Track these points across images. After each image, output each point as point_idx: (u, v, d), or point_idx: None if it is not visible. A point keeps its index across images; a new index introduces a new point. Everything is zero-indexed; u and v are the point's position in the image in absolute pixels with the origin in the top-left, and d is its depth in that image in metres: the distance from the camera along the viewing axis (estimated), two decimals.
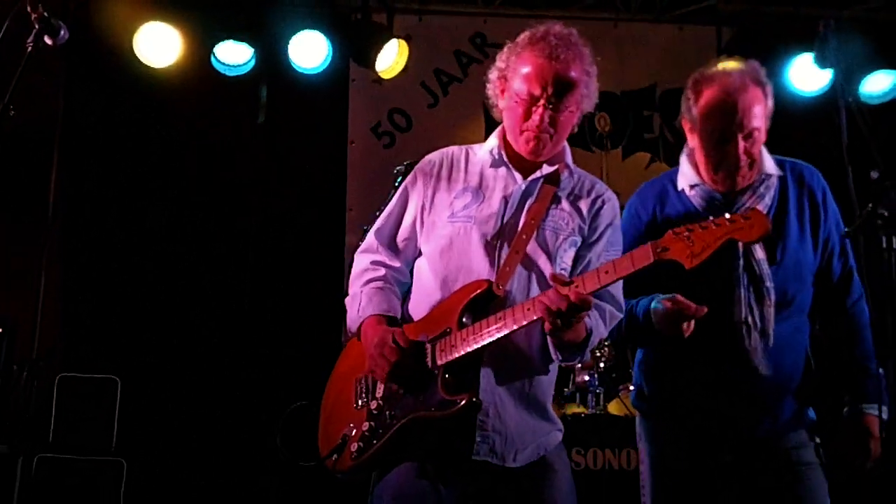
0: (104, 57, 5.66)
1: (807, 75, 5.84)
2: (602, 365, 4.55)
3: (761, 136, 2.77)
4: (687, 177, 2.91)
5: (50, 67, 5.47)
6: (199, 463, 5.37)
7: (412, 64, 5.92)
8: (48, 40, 2.60)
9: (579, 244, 2.71)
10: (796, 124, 5.96)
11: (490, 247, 2.63)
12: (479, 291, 2.56)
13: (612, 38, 6.44)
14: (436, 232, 2.71)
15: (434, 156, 2.84)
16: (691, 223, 2.38)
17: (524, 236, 2.62)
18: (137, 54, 5.47)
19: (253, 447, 5.30)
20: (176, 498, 5.26)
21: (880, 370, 2.86)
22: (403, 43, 5.77)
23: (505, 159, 2.73)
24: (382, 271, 2.79)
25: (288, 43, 5.59)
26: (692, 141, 2.90)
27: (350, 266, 2.92)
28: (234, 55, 5.64)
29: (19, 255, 5.31)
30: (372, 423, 2.59)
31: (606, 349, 4.57)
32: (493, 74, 2.75)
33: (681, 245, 2.33)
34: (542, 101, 2.59)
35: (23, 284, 5.05)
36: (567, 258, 2.69)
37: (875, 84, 5.95)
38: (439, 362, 2.54)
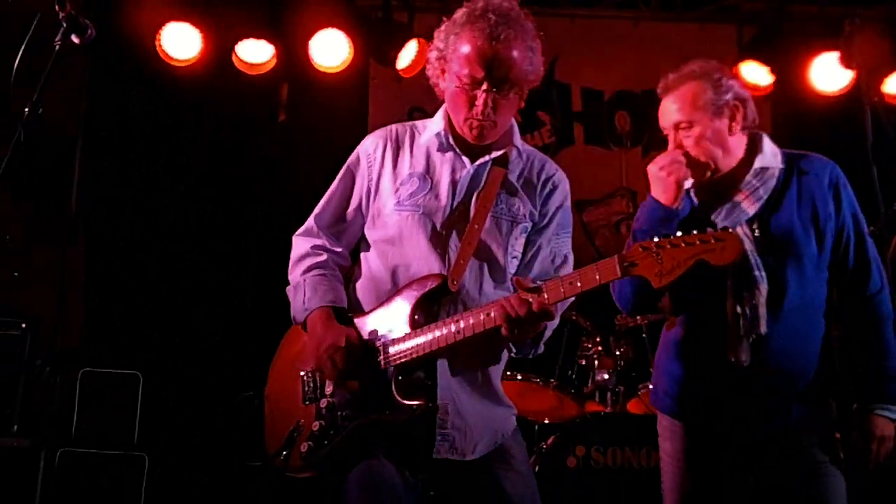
0: (127, 55, 5.69)
1: (829, 74, 5.80)
2: (622, 364, 4.55)
3: (699, 128, 2.82)
4: None
5: (73, 65, 5.52)
6: (221, 458, 5.39)
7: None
8: (75, 39, 2.61)
9: (530, 229, 2.68)
10: (819, 123, 5.96)
11: (439, 237, 2.58)
12: (432, 287, 2.52)
13: (632, 38, 6.43)
14: (382, 220, 2.65)
15: (377, 136, 2.76)
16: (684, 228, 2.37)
17: (475, 226, 2.57)
18: (160, 53, 5.52)
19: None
20: (197, 493, 5.28)
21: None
22: (424, 42, 5.77)
23: (451, 142, 2.65)
24: (324, 256, 2.72)
25: (308, 41, 5.62)
26: None
27: None
28: (254, 53, 5.66)
29: (42, 250, 5.36)
30: (322, 423, 2.54)
31: (626, 348, 4.57)
32: (432, 55, 2.65)
33: (649, 261, 2.29)
34: (485, 85, 2.50)
35: (46, 280, 5.12)
36: (518, 245, 2.66)
37: None
38: (392, 362, 2.50)
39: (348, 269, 2.77)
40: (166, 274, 5.81)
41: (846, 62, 2.88)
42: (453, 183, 2.64)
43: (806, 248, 2.80)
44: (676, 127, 2.86)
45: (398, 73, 5.79)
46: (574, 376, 4.65)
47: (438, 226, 2.60)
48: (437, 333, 2.47)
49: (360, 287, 2.70)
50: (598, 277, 2.34)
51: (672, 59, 6.34)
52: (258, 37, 5.59)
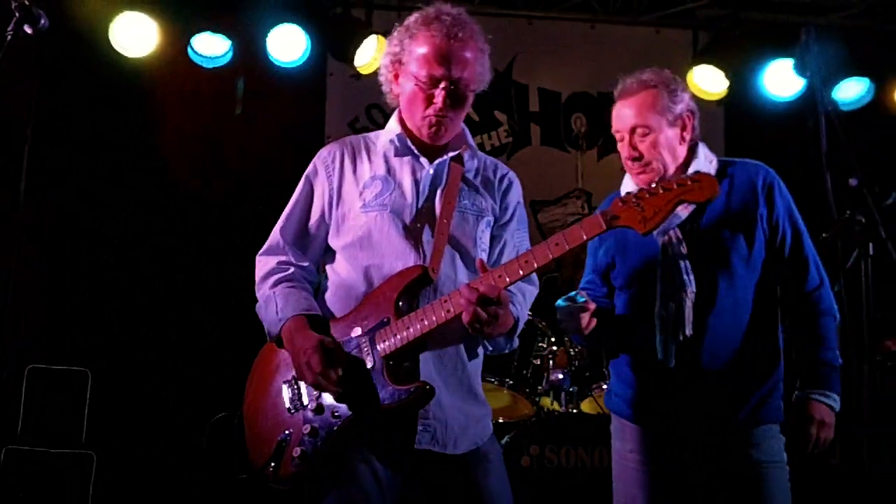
0: (79, 46, 5.57)
1: (782, 80, 5.92)
2: (576, 364, 4.58)
3: (655, 135, 2.89)
4: (625, 184, 3.07)
5: (24, 56, 5.39)
6: (170, 456, 5.33)
7: None
8: (28, 29, 2.57)
9: (493, 224, 2.73)
10: (771, 128, 6.06)
11: (411, 232, 2.60)
12: (414, 277, 2.53)
13: (589, 39, 6.48)
14: (348, 224, 2.65)
15: (333, 146, 2.78)
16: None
17: (444, 220, 2.61)
18: (113, 44, 5.42)
19: (223, 441, 5.27)
20: (146, 491, 5.21)
21: (839, 360, 2.89)
22: (382, 39, 5.74)
23: (409, 144, 2.69)
24: (291, 270, 2.70)
25: (266, 36, 5.57)
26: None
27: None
28: (211, 47, 5.60)
29: None
30: (313, 426, 2.52)
31: (581, 348, 4.60)
32: (385, 60, 2.70)
33: (631, 212, 2.34)
34: (443, 84, 2.56)
35: None
36: (485, 238, 2.70)
37: (848, 91, 6.04)
38: (381, 353, 2.50)
39: (315, 284, 2.76)
40: (115, 270, 5.72)
41: (801, 70, 2.92)
42: (415, 182, 2.67)
43: (735, 249, 2.86)
44: (633, 131, 2.92)
45: (356, 69, 5.77)
46: (529, 376, 4.66)
47: (408, 223, 2.62)
48: (427, 317, 2.49)
49: (331, 296, 2.69)
50: (583, 235, 2.37)
51: (628, 62, 6.40)
52: (215, 30, 5.53)
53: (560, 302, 2.80)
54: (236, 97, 5.87)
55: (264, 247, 2.78)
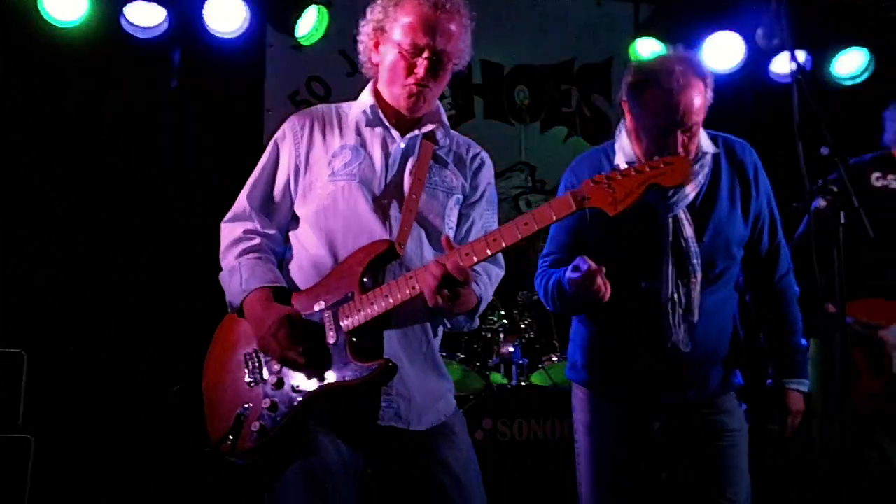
0: (4, 13, 5.34)
1: (721, 53, 5.97)
2: (526, 337, 4.58)
3: (699, 128, 2.81)
4: (626, 153, 2.93)
5: None
6: (110, 440, 5.19)
7: (331, 31, 5.80)
8: None
9: (462, 202, 2.71)
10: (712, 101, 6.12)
11: (379, 205, 2.57)
12: (380, 252, 2.50)
13: (532, 13, 6.45)
14: (315, 192, 2.61)
15: (304, 113, 2.74)
16: None
17: (413, 196, 2.58)
18: (41, 11, 5.19)
19: (164, 425, 5.15)
20: (86, 475, 5.07)
21: (803, 343, 2.97)
22: (324, 9, 5.64)
23: (381, 117, 2.66)
24: (258, 240, 2.65)
25: (203, 5, 5.39)
26: (630, 123, 2.91)
27: None
28: (145, 16, 5.37)
29: None
30: (273, 400, 2.48)
31: (530, 321, 4.60)
32: (366, 28, 2.66)
33: (602, 192, 2.31)
34: (426, 53, 2.53)
35: None
36: (453, 216, 2.68)
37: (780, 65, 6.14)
38: (345, 328, 2.46)
39: (281, 253, 2.71)
40: (50, 249, 5.50)
41: (768, 40, 2.93)
42: (386, 155, 2.64)
43: (734, 230, 2.88)
44: (689, 128, 2.76)
45: (297, 41, 5.65)
46: (479, 349, 4.66)
47: (376, 195, 2.59)
48: (392, 291, 2.45)
49: (295, 266, 2.65)
50: (553, 215, 2.34)
51: (571, 35, 6.53)
52: None
53: (571, 274, 2.69)
54: (172, 69, 5.67)
55: (229, 213, 2.72)
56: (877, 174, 3.60)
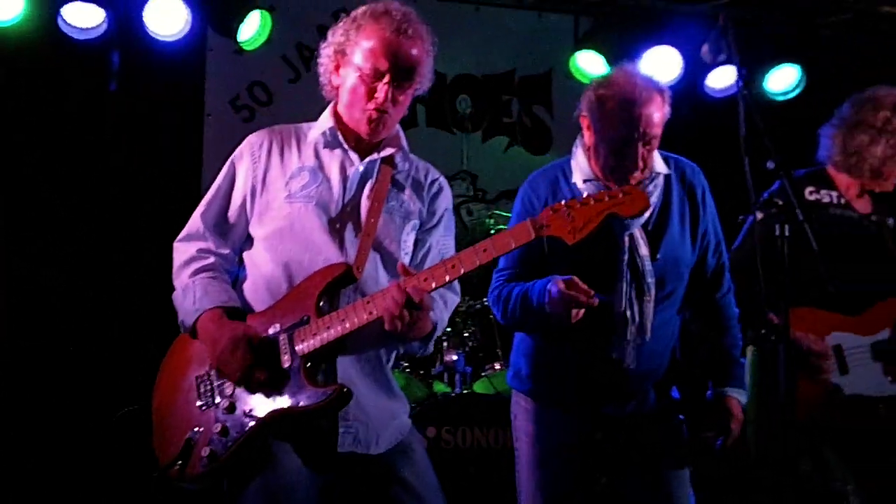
0: None
1: (658, 68, 6.09)
2: (470, 345, 4.61)
3: (657, 142, 2.88)
4: (582, 171, 2.97)
5: None
6: (66, 457, 5.07)
7: (273, 37, 5.76)
8: None
9: (419, 228, 2.70)
10: None
11: (335, 228, 2.55)
12: (337, 275, 2.48)
13: (474, 22, 6.49)
14: (271, 214, 2.58)
15: (262, 133, 2.72)
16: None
17: (371, 220, 2.57)
18: None
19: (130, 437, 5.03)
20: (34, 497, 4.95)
21: (742, 359, 3.08)
22: (267, 14, 5.58)
23: (340, 139, 2.64)
24: (212, 259, 2.63)
25: (143, 7, 5.30)
26: (589, 139, 2.95)
27: None
28: (83, 17, 5.23)
29: None
30: (224, 424, 2.44)
31: (474, 329, 4.63)
32: (327, 50, 2.64)
33: (561, 221, 2.34)
34: (387, 78, 2.52)
35: None
36: (410, 241, 2.68)
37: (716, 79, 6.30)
38: (300, 353, 2.43)
39: (235, 273, 2.68)
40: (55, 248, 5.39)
41: (714, 55, 3.01)
42: (344, 178, 2.62)
43: (684, 251, 2.95)
44: (649, 141, 2.83)
45: (239, 45, 5.59)
46: (423, 358, 4.66)
47: (332, 218, 2.57)
48: (349, 318, 2.43)
49: (249, 288, 2.62)
50: (512, 242, 2.36)
51: (512, 45, 6.59)
52: None
53: (552, 285, 2.71)
54: (111, 72, 5.56)
55: (183, 232, 2.68)
56: (810, 188, 3.70)
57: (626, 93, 2.80)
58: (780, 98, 6.16)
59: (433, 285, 2.39)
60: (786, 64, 6.13)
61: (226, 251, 2.66)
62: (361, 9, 2.61)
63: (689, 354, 3.10)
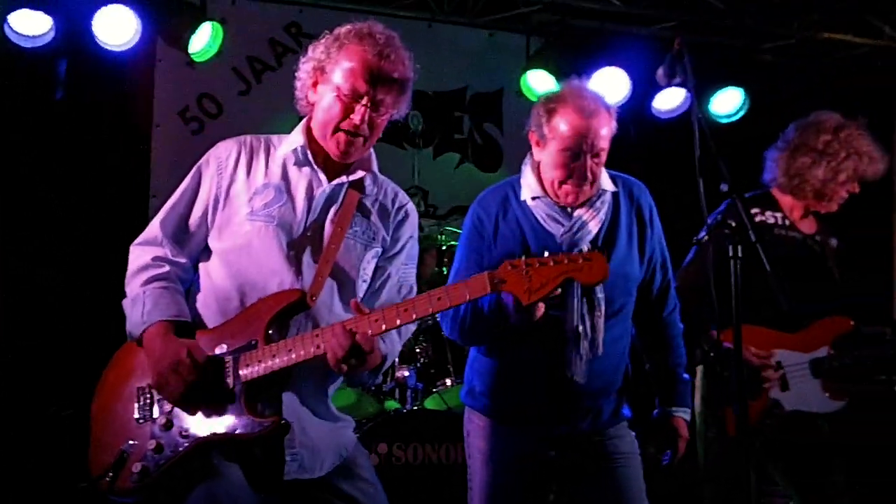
0: None
1: (606, 88, 6.18)
2: (421, 361, 4.61)
3: (605, 155, 2.91)
4: (531, 188, 3.00)
5: None
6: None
7: (224, 49, 5.72)
8: None
9: (380, 255, 2.67)
10: None
11: (293, 252, 2.52)
12: (290, 302, 2.45)
13: (426, 38, 6.50)
14: (231, 229, 2.54)
15: (231, 143, 2.65)
16: (536, 249, 2.44)
17: (332, 245, 2.53)
18: None
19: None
20: None
21: (686, 376, 3.13)
22: (218, 26, 5.57)
23: (310, 158, 2.60)
24: (166, 268, 2.57)
25: (92, 16, 5.23)
26: (538, 155, 2.99)
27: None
28: (30, 25, 5.16)
29: None
30: (158, 442, 2.40)
31: (425, 345, 4.63)
32: (306, 65, 2.60)
33: (518, 279, 2.34)
34: (365, 100, 2.49)
35: None
36: (369, 269, 2.65)
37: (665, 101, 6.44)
38: (243, 378, 2.40)
39: (189, 283, 2.63)
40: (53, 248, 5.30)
41: (669, 79, 3.07)
42: (309, 199, 2.58)
43: (632, 267, 2.99)
44: (597, 153, 2.86)
45: (189, 56, 5.55)
46: None
47: (292, 240, 2.52)
48: (296, 347, 2.39)
49: (201, 300, 2.57)
50: (467, 294, 2.36)
51: (464, 63, 6.63)
52: (35, 6, 5.12)
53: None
54: (58, 81, 5.46)
55: (141, 237, 2.63)
56: (755, 210, 3.79)
57: (575, 106, 2.85)
58: (725, 120, 6.30)
59: (383, 328, 2.36)
60: (730, 87, 6.28)
61: (182, 260, 2.60)
62: (345, 27, 2.59)
63: (638, 370, 3.14)
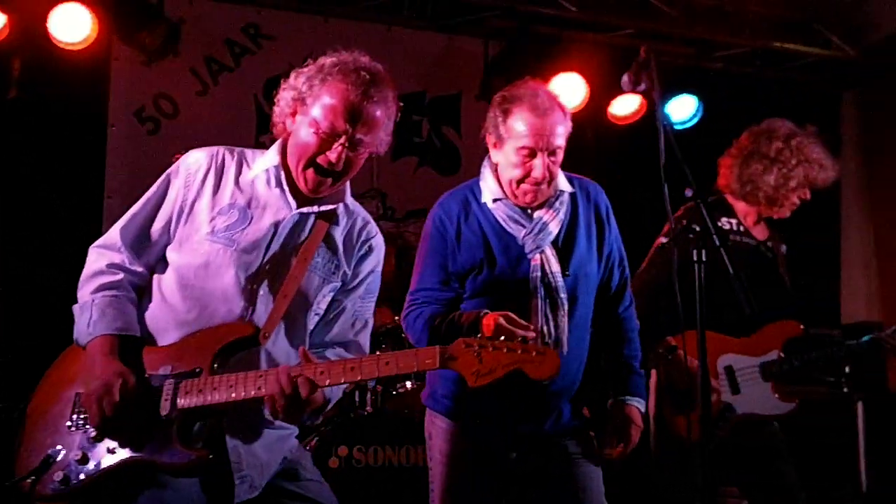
0: None
1: (564, 93, 6.22)
2: None
3: (561, 154, 2.95)
4: (491, 191, 3.03)
5: None
6: None
7: (182, 49, 5.68)
8: None
9: (338, 290, 2.65)
10: None
11: (249, 280, 2.47)
12: (242, 336, 2.43)
13: (385, 42, 6.52)
14: (190, 246, 2.50)
15: (202, 155, 2.60)
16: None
17: (293, 281, 2.50)
18: None
19: None
20: None
21: (642, 370, 3.18)
22: (176, 25, 5.52)
23: (283, 181, 2.55)
24: (120, 276, 2.52)
25: (48, 13, 5.16)
26: (496, 156, 3.02)
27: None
28: None
29: None
30: (85, 452, 2.36)
31: (385, 347, 4.64)
32: (287, 93, 2.55)
33: (469, 359, 2.32)
34: (343, 139, 2.44)
35: None
36: (324, 303, 2.62)
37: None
38: (180, 406, 2.36)
39: (144, 289, 2.58)
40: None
41: (634, 85, 3.12)
42: (274, 225, 2.53)
43: (591, 266, 3.03)
44: (554, 152, 2.89)
45: (146, 55, 5.49)
46: None
47: (250, 268, 2.48)
48: (238, 386, 2.35)
49: (151, 312, 2.52)
50: (415, 366, 2.34)
51: (423, 67, 6.64)
52: None
53: (491, 322, 2.69)
54: (12, 79, 5.36)
55: (100, 240, 2.58)
56: (722, 218, 3.87)
57: (530, 105, 2.88)
58: (679, 127, 6.40)
59: (327, 382, 2.33)
60: (684, 94, 6.39)
61: (139, 269, 2.55)
62: (330, 58, 2.52)
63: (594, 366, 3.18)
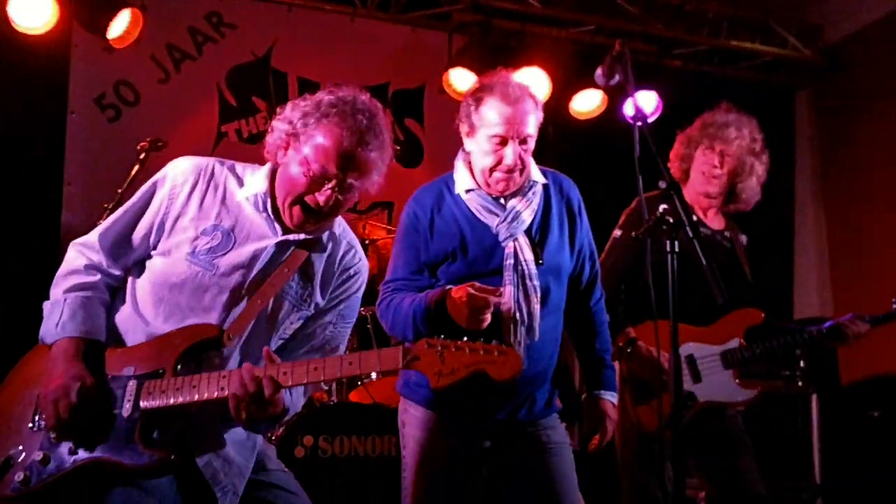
0: None
1: (530, 85, 6.30)
2: (347, 353, 4.60)
3: (532, 143, 2.98)
4: (464, 181, 3.06)
5: None
6: None
7: (144, 35, 5.61)
8: None
9: (307, 317, 2.64)
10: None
11: (225, 302, 2.47)
12: (206, 337, 2.42)
13: (348, 33, 6.53)
14: (170, 261, 2.49)
15: (191, 167, 2.56)
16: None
17: (259, 301, 2.48)
18: None
19: None
20: None
21: (614, 363, 3.24)
22: (138, 12, 5.45)
23: (269, 208, 2.53)
24: (96, 277, 2.50)
25: None
26: (469, 145, 3.04)
27: (65, 246, 2.60)
28: None
29: None
30: (46, 453, 2.33)
31: (350, 338, 4.64)
32: (281, 125, 2.50)
33: (432, 359, 2.30)
34: (333, 182, 2.41)
35: None
36: (290, 329, 2.61)
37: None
38: (143, 407, 2.34)
39: (119, 290, 2.56)
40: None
41: (607, 79, 3.16)
42: (257, 251, 2.50)
43: (563, 257, 3.07)
44: (525, 140, 2.91)
45: (108, 42, 5.42)
46: None
47: (226, 291, 2.46)
48: (200, 386, 2.33)
49: (122, 315, 2.50)
50: (378, 366, 2.33)
51: (387, 59, 6.66)
52: None
53: (460, 291, 2.68)
54: None
55: (82, 238, 2.56)
56: (664, 206, 3.93)
57: (501, 93, 2.92)
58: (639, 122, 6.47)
59: (290, 382, 2.32)
60: (643, 90, 6.47)
61: (116, 272, 2.54)
62: (329, 96, 2.47)
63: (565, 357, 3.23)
